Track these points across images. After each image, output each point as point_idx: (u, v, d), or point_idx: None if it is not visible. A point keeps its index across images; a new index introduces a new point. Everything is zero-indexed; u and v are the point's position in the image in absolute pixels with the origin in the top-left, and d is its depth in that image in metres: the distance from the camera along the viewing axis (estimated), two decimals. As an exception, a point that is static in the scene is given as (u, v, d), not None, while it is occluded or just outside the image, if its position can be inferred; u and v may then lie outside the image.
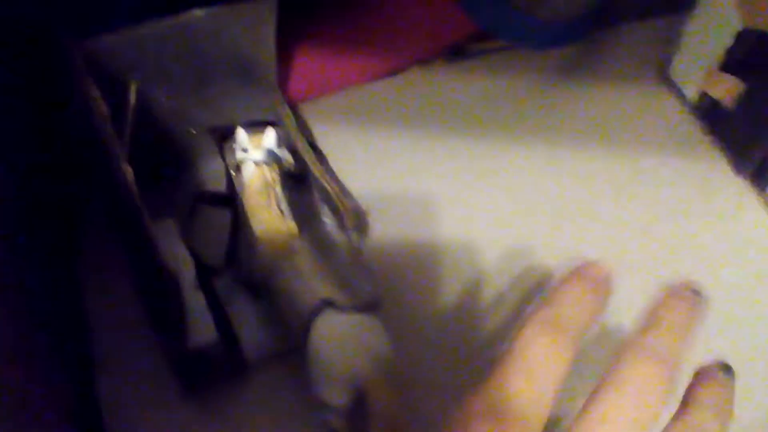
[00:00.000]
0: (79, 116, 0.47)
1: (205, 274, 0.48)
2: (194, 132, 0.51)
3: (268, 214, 0.45)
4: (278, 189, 0.46)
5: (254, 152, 0.47)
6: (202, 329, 0.45)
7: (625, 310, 0.52)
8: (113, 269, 0.51)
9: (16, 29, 0.45)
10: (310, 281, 0.43)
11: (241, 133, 0.47)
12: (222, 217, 0.51)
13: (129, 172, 0.41)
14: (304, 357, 0.42)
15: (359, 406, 0.41)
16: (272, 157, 0.47)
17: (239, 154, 0.47)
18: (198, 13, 0.48)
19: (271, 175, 0.47)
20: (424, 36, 0.65)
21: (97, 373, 0.47)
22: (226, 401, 0.47)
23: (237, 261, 0.50)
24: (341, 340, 0.42)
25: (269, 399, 0.47)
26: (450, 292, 0.52)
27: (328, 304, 0.42)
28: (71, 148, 0.52)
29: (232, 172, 0.48)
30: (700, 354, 0.50)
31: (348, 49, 0.63)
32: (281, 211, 0.45)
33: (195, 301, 0.45)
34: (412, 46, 0.65)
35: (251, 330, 0.49)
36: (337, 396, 0.41)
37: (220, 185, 0.52)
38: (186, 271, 0.45)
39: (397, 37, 0.64)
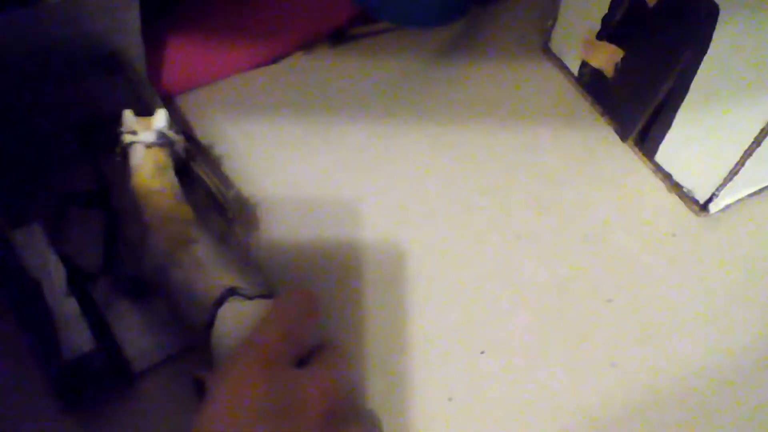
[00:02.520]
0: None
1: (80, 280, 0.45)
2: (58, 130, 0.48)
3: (161, 199, 0.42)
4: (171, 173, 0.43)
5: (144, 134, 0.43)
6: (77, 338, 0.41)
7: (522, 277, 0.52)
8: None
9: None
10: (210, 270, 0.40)
11: (128, 115, 0.44)
12: (96, 218, 0.47)
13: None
14: (208, 351, 0.40)
15: None
16: (164, 140, 0.44)
17: (127, 137, 0.44)
18: (51, 1, 0.44)
19: (164, 158, 0.44)
20: (305, 20, 0.63)
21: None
22: (110, 414, 0.44)
23: (117, 263, 0.47)
24: (247, 328, 0.39)
25: (157, 410, 0.44)
26: (349, 281, 0.51)
27: (232, 292, 0.40)
28: None
29: (120, 149, 0.45)
30: (602, 308, 0.51)
31: (226, 36, 0.60)
32: (175, 196, 0.42)
33: (67, 308, 0.41)
34: (293, 31, 0.63)
35: (136, 337, 0.46)
36: None
37: (91, 183, 0.48)
38: (56, 277, 0.42)
39: (278, 22, 0.62)
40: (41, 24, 0.45)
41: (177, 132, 0.47)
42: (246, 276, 0.42)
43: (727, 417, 0.47)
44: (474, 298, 0.51)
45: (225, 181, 0.50)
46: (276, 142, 0.58)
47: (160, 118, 0.44)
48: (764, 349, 0.50)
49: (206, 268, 0.41)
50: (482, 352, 0.49)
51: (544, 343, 0.49)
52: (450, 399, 0.47)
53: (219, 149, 0.56)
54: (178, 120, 0.55)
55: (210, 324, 0.40)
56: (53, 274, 0.43)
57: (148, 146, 0.44)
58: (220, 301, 0.40)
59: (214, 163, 0.52)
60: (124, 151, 0.45)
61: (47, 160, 0.49)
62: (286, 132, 0.59)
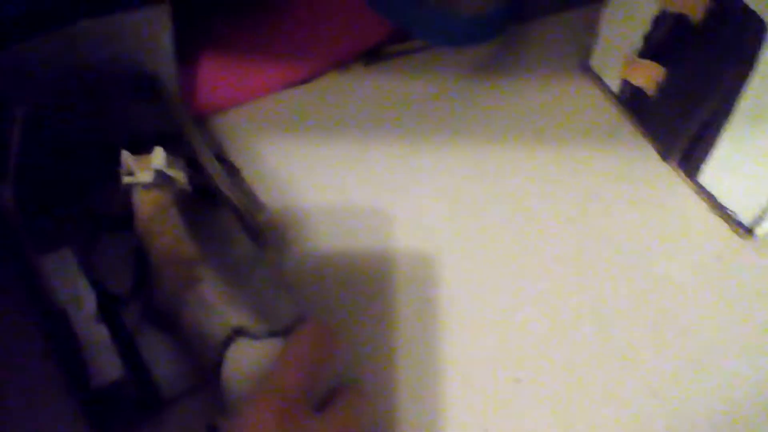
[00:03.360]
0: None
1: (111, 305, 0.45)
2: (91, 152, 0.48)
3: (163, 241, 0.42)
4: (173, 212, 0.43)
5: (142, 175, 0.43)
6: (107, 366, 0.41)
7: (559, 301, 0.51)
8: (12, 303, 0.47)
9: None
10: (217, 310, 0.40)
11: (125, 156, 0.43)
12: (126, 242, 0.47)
13: (10, 196, 0.37)
14: (219, 393, 0.39)
15: None
16: (163, 179, 0.43)
17: (125, 179, 0.43)
18: (85, 23, 0.44)
19: (164, 197, 0.43)
20: (339, 39, 0.62)
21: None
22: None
23: (146, 288, 0.47)
24: (257, 371, 0.38)
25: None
26: (381, 302, 0.50)
27: (239, 332, 0.39)
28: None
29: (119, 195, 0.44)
30: (643, 335, 0.49)
31: (259, 56, 0.60)
32: (177, 237, 0.42)
33: (97, 335, 0.41)
34: (327, 51, 0.62)
35: (165, 363, 0.45)
36: None
37: (123, 207, 0.48)
38: (86, 302, 0.42)
39: (312, 42, 0.61)
40: (74, 45, 0.45)
41: (180, 167, 0.46)
42: (264, 310, 0.42)
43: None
44: (509, 322, 0.50)
45: (256, 203, 0.50)
46: (310, 161, 0.57)
47: (158, 157, 0.43)
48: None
49: (213, 307, 0.41)
50: (518, 381, 0.47)
51: (582, 371, 0.48)
52: (485, 430, 0.45)
53: (252, 170, 0.55)
54: (210, 141, 0.55)
55: (218, 365, 0.39)
56: (83, 299, 0.42)
57: (146, 188, 0.43)
58: (227, 342, 0.39)
59: (246, 185, 0.52)
60: (125, 192, 0.44)
61: (79, 184, 0.49)
62: (320, 151, 0.58)
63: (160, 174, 0.43)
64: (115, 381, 0.41)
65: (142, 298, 0.46)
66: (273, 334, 0.39)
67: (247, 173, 0.55)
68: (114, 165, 0.48)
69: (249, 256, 0.48)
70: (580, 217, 0.55)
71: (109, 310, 0.44)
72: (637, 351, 0.49)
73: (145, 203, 0.42)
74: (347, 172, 0.57)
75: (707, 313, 0.51)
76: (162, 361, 0.45)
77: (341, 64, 0.63)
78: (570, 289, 0.52)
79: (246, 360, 0.38)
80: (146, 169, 0.42)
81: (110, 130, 0.49)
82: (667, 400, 0.47)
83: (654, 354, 0.49)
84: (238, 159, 0.56)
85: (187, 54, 0.53)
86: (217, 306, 0.40)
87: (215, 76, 0.58)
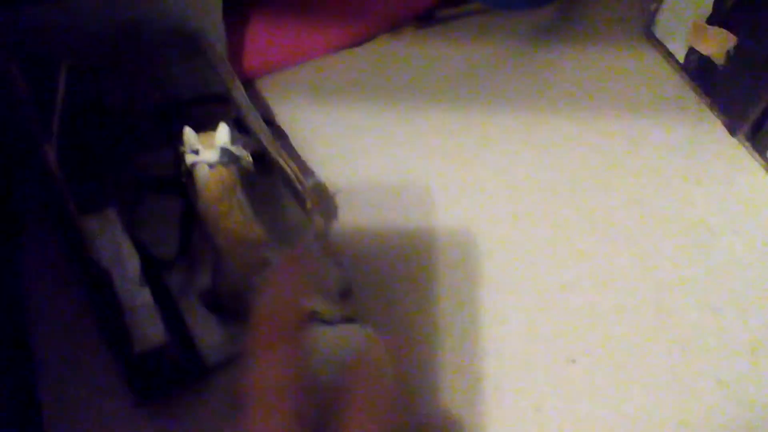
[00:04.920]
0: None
1: (154, 269, 0.44)
2: (135, 113, 0.46)
3: (231, 223, 0.40)
4: (239, 192, 0.41)
5: (207, 153, 0.41)
6: (150, 330, 0.40)
7: (618, 281, 0.48)
8: (56, 265, 0.46)
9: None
10: None
11: (188, 133, 0.41)
12: (172, 205, 0.46)
13: (53, 157, 0.36)
14: None
15: None
16: (228, 157, 0.41)
17: (189, 157, 0.41)
18: (135, -20, 0.43)
19: (230, 177, 0.41)
20: (391, 2, 0.60)
21: (39, 380, 0.43)
22: (183, 409, 0.43)
23: (191, 252, 0.46)
24: (330, 355, 0.37)
25: (230, 405, 0.43)
26: (430, 277, 0.48)
27: (312, 317, 0.37)
28: None
29: (186, 169, 0.42)
30: (706, 318, 0.46)
31: (309, 17, 0.58)
32: (245, 218, 0.40)
33: (140, 299, 0.40)
34: (379, 13, 0.60)
35: (210, 329, 0.44)
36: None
37: (169, 169, 0.47)
38: (129, 266, 0.41)
39: (363, 4, 0.59)
40: (123, 3, 0.44)
41: (244, 145, 0.44)
42: (328, 292, 0.40)
43: None
44: (563, 300, 0.48)
45: (304, 168, 0.48)
46: (357, 127, 0.55)
47: (223, 133, 0.42)
48: None
49: None
50: (573, 361, 0.45)
51: (641, 355, 0.46)
52: (537, 409, 0.43)
53: (300, 134, 0.54)
54: (259, 104, 0.53)
55: None
56: (127, 262, 0.41)
57: (212, 166, 0.41)
58: None
59: (293, 150, 0.50)
60: (189, 171, 0.42)
61: (124, 144, 0.48)
62: (368, 117, 0.56)
63: (225, 152, 0.41)
64: (158, 346, 0.40)
65: (188, 263, 0.45)
66: (347, 319, 0.38)
67: (295, 138, 0.53)
68: (161, 127, 0.47)
69: (298, 223, 0.46)
70: (641, 192, 0.53)
71: (153, 273, 0.43)
72: (699, 335, 0.46)
73: (210, 183, 0.40)
74: (395, 141, 0.55)
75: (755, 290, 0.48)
76: (207, 326, 0.44)
77: (393, 27, 0.61)
78: (630, 268, 0.49)
79: (317, 346, 0.37)
80: (210, 146, 0.40)
81: (156, 91, 0.47)
82: (733, 388, 0.44)
83: (718, 339, 0.46)
84: (285, 123, 0.54)
85: (235, 13, 0.51)
86: None
87: (264, 36, 0.56)
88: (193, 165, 0.40)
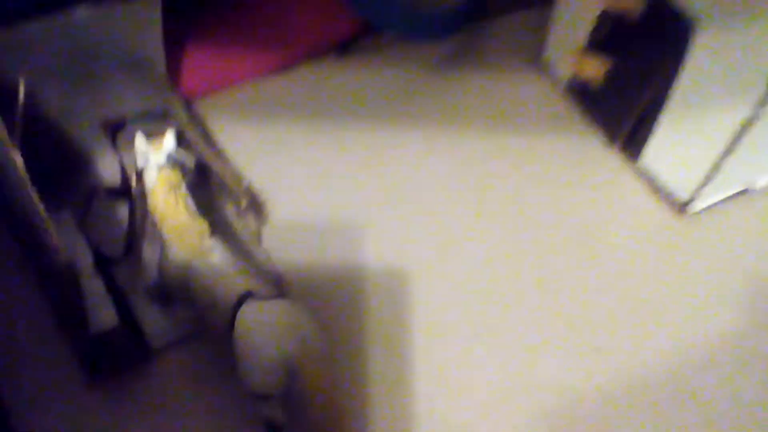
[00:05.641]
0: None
1: (103, 265, 0.49)
2: (86, 127, 0.52)
3: (177, 216, 0.46)
4: (184, 189, 0.47)
5: (155, 157, 0.47)
6: (103, 315, 0.46)
7: (512, 289, 0.56)
8: (7, 263, 0.51)
9: None
10: (227, 276, 0.44)
11: (140, 140, 0.47)
12: (119, 209, 0.52)
13: (19, 161, 0.42)
14: (232, 351, 0.43)
15: (294, 387, 0.42)
16: (173, 160, 0.47)
17: (140, 161, 0.47)
18: (84, 10, 0.49)
19: (175, 176, 0.47)
20: (313, 32, 0.68)
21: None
22: (131, 388, 0.48)
23: (136, 251, 0.51)
24: (267, 327, 0.42)
25: (176, 386, 0.48)
26: (345, 273, 0.55)
27: (248, 295, 0.43)
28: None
29: (132, 174, 0.48)
30: (595, 315, 0.54)
31: (238, 44, 0.65)
32: (189, 211, 0.46)
33: (94, 288, 0.46)
34: (301, 42, 0.67)
35: (154, 317, 0.50)
36: (271, 382, 0.42)
37: (115, 177, 0.53)
38: (83, 260, 0.46)
39: (287, 32, 0.66)
40: (75, 28, 0.50)
41: (187, 148, 0.50)
42: (261, 274, 0.46)
43: (702, 397, 0.51)
44: (473, 290, 0.55)
45: (236, 174, 0.54)
46: (282, 144, 0.62)
47: (169, 140, 0.48)
48: (738, 338, 0.54)
49: (223, 274, 0.45)
50: (478, 336, 0.52)
51: (536, 331, 0.53)
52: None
53: (231, 149, 0.60)
54: (196, 122, 0.59)
55: (231, 326, 0.43)
56: (80, 256, 0.47)
57: (160, 168, 0.47)
58: (238, 304, 0.43)
59: (227, 160, 0.56)
60: (139, 173, 0.48)
61: (78, 155, 0.53)
62: (291, 136, 0.63)
63: (171, 156, 0.46)
64: (111, 329, 0.46)
65: (133, 260, 0.51)
66: (279, 295, 0.44)
67: (227, 153, 0.59)
68: (107, 139, 0.53)
69: (231, 226, 0.52)
70: (531, 197, 0.61)
71: (102, 268, 0.49)
72: (582, 312, 0.54)
73: (160, 183, 0.46)
74: (315, 155, 0.62)
75: (646, 279, 0.57)
76: (152, 315, 0.49)
77: (315, 55, 0.68)
78: (528, 259, 0.57)
79: (254, 319, 0.42)
80: (159, 151, 0.46)
81: (104, 107, 0.53)
82: (609, 356, 0.52)
83: (597, 315, 0.54)
84: (219, 139, 0.61)
85: (173, 39, 0.58)
86: (225, 273, 0.44)
87: (198, 62, 0.62)
88: (144, 167, 0.46)
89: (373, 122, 0.65)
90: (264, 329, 0.42)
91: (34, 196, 0.41)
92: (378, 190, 0.61)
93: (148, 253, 0.49)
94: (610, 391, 0.51)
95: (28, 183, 0.41)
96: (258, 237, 0.53)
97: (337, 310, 0.53)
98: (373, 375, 0.50)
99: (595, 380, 0.51)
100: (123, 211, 0.52)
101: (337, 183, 0.61)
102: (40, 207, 0.41)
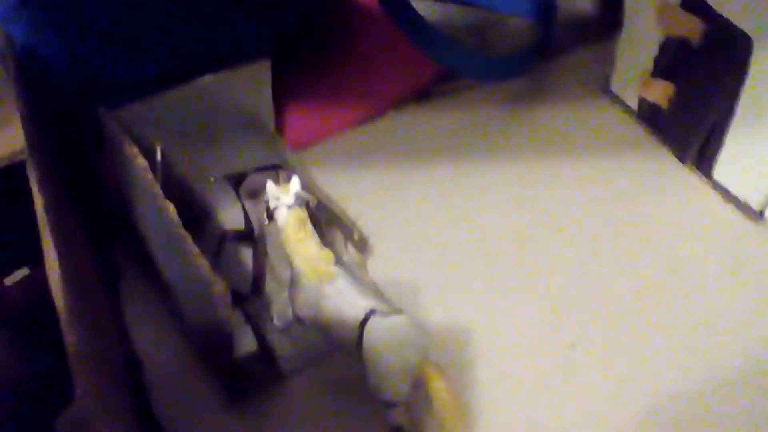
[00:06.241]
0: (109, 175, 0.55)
1: (237, 300, 0.56)
2: (212, 181, 0.59)
3: (307, 248, 0.52)
4: (309, 224, 0.53)
5: (285, 198, 0.53)
6: (244, 342, 0.52)
7: (606, 300, 0.60)
8: (151, 304, 0.58)
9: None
10: (352, 298, 0.50)
11: (270, 185, 0.53)
12: (245, 251, 0.58)
13: (171, 207, 0.49)
14: (362, 365, 0.48)
15: (420, 395, 0.47)
16: (300, 200, 0.53)
17: (272, 203, 0.53)
18: (207, 78, 0.57)
19: (302, 214, 0.52)
20: (398, 82, 0.75)
21: (152, 393, 0.54)
22: (267, 409, 0.54)
23: (261, 289, 0.57)
24: (392, 340, 0.48)
25: (306, 404, 0.54)
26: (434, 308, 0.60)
27: (373, 312, 0.48)
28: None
29: (264, 219, 0.54)
30: (686, 321, 0.58)
31: (334, 100, 0.72)
32: (316, 243, 0.52)
33: (235, 319, 0.52)
34: (389, 93, 0.74)
35: (283, 343, 0.56)
36: (400, 390, 0.47)
37: (239, 225, 0.59)
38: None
39: (375, 85, 0.73)
40: (200, 95, 0.58)
41: (307, 191, 0.56)
42: (378, 298, 0.51)
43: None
44: (563, 295, 0.60)
45: (345, 212, 0.60)
46: (375, 187, 0.68)
47: (295, 183, 0.53)
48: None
49: (348, 296, 0.50)
50: (573, 346, 0.57)
51: (629, 336, 0.57)
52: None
53: (333, 193, 0.66)
54: (302, 171, 0.66)
55: (360, 341, 0.48)
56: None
57: (290, 207, 0.53)
58: (364, 321, 0.48)
59: (334, 202, 0.62)
60: (271, 214, 0.54)
61: (206, 207, 0.60)
62: (383, 179, 0.69)
63: (298, 196, 0.53)
64: (251, 355, 0.52)
65: (260, 297, 0.57)
66: (397, 311, 0.49)
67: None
68: (231, 190, 0.60)
69: (343, 254, 0.58)
70: (615, 216, 0.66)
71: (235, 303, 0.55)
72: (674, 320, 0.58)
73: (290, 220, 0.52)
74: (408, 197, 0.68)
75: (730, 285, 0.60)
76: (280, 344, 0.55)
77: (401, 103, 0.75)
78: (611, 275, 0.61)
79: (380, 333, 0.48)
80: (287, 193, 0.53)
81: (226, 162, 0.60)
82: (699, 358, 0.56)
83: (688, 321, 0.58)
84: (322, 185, 0.67)
85: (277, 101, 0.65)
86: (351, 295, 0.50)
87: (299, 118, 0.70)
88: (275, 208, 0.53)
89: (455, 162, 0.71)
90: (389, 341, 0.47)
91: (187, 237, 0.48)
92: (461, 218, 0.66)
93: (273, 287, 0.56)
94: (702, 391, 0.54)
95: (181, 226, 0.48)
96: (365, 268, 0.58)
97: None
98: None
99: (688, 383, 0.55)
100: (248, 252, 0.58)
101: (420, 217, 0.66)
102: (193, 246, 0.48)
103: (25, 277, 0.54)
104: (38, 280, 0.46)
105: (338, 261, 0.51)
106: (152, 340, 0.56)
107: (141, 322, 0.58)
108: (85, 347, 0.39)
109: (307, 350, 0.55)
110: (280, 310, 0.56)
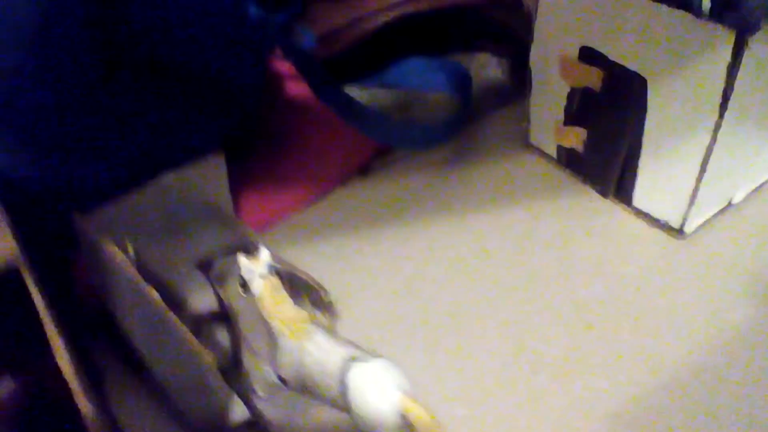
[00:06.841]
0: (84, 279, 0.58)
1: (222, 373, 0.59)
2: (182, 271, 0.63)
3: (284, 311, 0.55)
4: (283, 290, 0.56)
5: (258, 268, 0.57)
6: (236, 411, 0.55)
7: (539, 329, 0.66)
8: (140, 400, 0.61)
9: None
10: (332, 347, 0.53)
11: (242, 258, 0.57)
12: (221, 331, 0.62)
13: (154, 292, 0.52)
14: (350, 412, 0.51)
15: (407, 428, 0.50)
16: (272, 268, 0.57)
17: (246, 275, 0.57)
18: (169, 175, 0.62)
19: (275, 281, 0.56)
20: (342, 162, 0.81)
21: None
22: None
23: (240, 362, 0.61)
24: (374, 382, 0.51)
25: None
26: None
27: (353, 360, 0.51)
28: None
29: (238, 296, 0.58)
30: (625, 333, 0.64)
31: (285, 184, 0.78)
32: (292, 306, 0.56)
33: (226, 389, 0.55)
34: (335, 172, 0.80)
35: (270, 412, 0.59)
36: (387, 427, 0.50)
37: (213, 307, 0.63)
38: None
39: (320, 167, 0.80)
40: (162, 192, 0.62)
41: (276, 260, 0.61)
42: (355, 346, 0.56)
43: (730, 381, 0.60)
44: (515, 334, 0.65)
45: (311, 277, 0.65)
46: (328, 256, 0.74)
47: (265, 253, 0.58)
48: (751, 331, 0.63)
49: (328, 348, 0.54)
50: (535, 372, 0.62)
51: (585, 356, 0.63)
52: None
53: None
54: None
55: (345, 388, 0.52)
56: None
57: (263, 276, 0.57)
58: (346, 369, 0.51)
59: (302, 271, 0.67)
60: (245, 285, 0.59)
61: (179, 296, 0.64)
62: (335, 249, 0.75)
63: (270, 265, 0.57)
64: (243, 423, 0.55)
65: (242, 370, 0.60)
66: (375, 356, 0.53)
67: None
68: (202, 277, 0.64)
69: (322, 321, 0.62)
70: (555, 253, 0.72)
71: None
72: (615, 335, 0.64)
73: (265, 288, 0.56)
74: (363, 263, 0.74)
75: (662, 294, 0.67)
76: (269, 410, 0.58)
77: (345, 180, 0.81)
78: (553, 301, 0.67)
79: (362, 378, 0.51)
80: (258, 264, 0.57)
81: (193, 251, 0.65)
82: (644, 363, 0.62)
83: (627, 332, 0.64)
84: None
85: (234, 189, 0.70)
86: (329, 347, 0.53)
87: (253, 203, 0.75)
88: (250, 279, 0.57)
89: (400, 227, 0.77)
90: (373, 384, 0.51)
91: (173, 316, 0.52)
92: (416, 279, 0.71)
93: (249, 359, 0.59)
94: (650, 392, 0.60)
95: (167, 308, 0.52)
96: (334, 329, 0.63)
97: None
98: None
99: (638, 388, 0.60)
100: (223, 331, 0.62)
101: (382, 282, 0.71)
102: (179, 323, 0.52)
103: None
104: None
105: (313, 320, 0.56)
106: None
107: (133, 417, 0.61)
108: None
109: (293, 412, 0.58)
110: (261, 379, 0.59)
